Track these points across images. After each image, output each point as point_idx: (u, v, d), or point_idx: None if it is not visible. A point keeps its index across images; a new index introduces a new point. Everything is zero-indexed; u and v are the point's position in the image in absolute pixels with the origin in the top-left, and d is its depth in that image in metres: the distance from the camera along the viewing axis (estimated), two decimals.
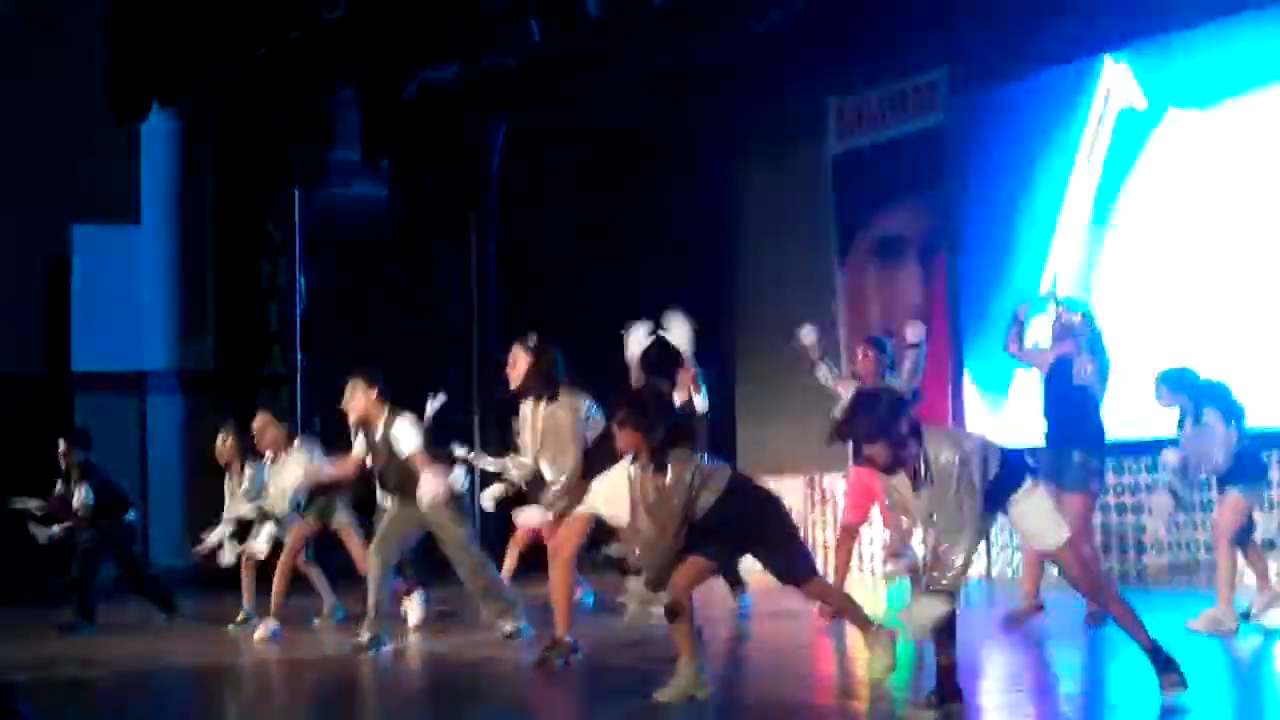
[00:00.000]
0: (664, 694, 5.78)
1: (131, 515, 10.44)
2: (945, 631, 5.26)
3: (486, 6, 12.63)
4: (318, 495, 9.10)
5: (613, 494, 6.85)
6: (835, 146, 14.52)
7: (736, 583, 9.80)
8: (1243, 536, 7.78)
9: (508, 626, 7.92)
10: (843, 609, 6.08)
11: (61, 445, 10.26)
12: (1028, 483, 5.31)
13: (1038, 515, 5.32)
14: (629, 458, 6.03)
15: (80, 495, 9.96)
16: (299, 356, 14.95)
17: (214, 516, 10.10)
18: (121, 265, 15.21)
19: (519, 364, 7.40)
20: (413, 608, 9.26)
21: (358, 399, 8.08)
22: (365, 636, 7.86)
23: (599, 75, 14.27)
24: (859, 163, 14.30)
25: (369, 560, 8.11)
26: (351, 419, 8.18)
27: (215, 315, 15.80)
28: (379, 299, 15.41)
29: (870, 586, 11.93)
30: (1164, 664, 5.27)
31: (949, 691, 5.22)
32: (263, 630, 8.94)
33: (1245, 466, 7.69)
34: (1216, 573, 7.83)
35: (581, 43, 13.26)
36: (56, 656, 8.27)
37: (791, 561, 5.97)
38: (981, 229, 13.22)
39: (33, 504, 10.27)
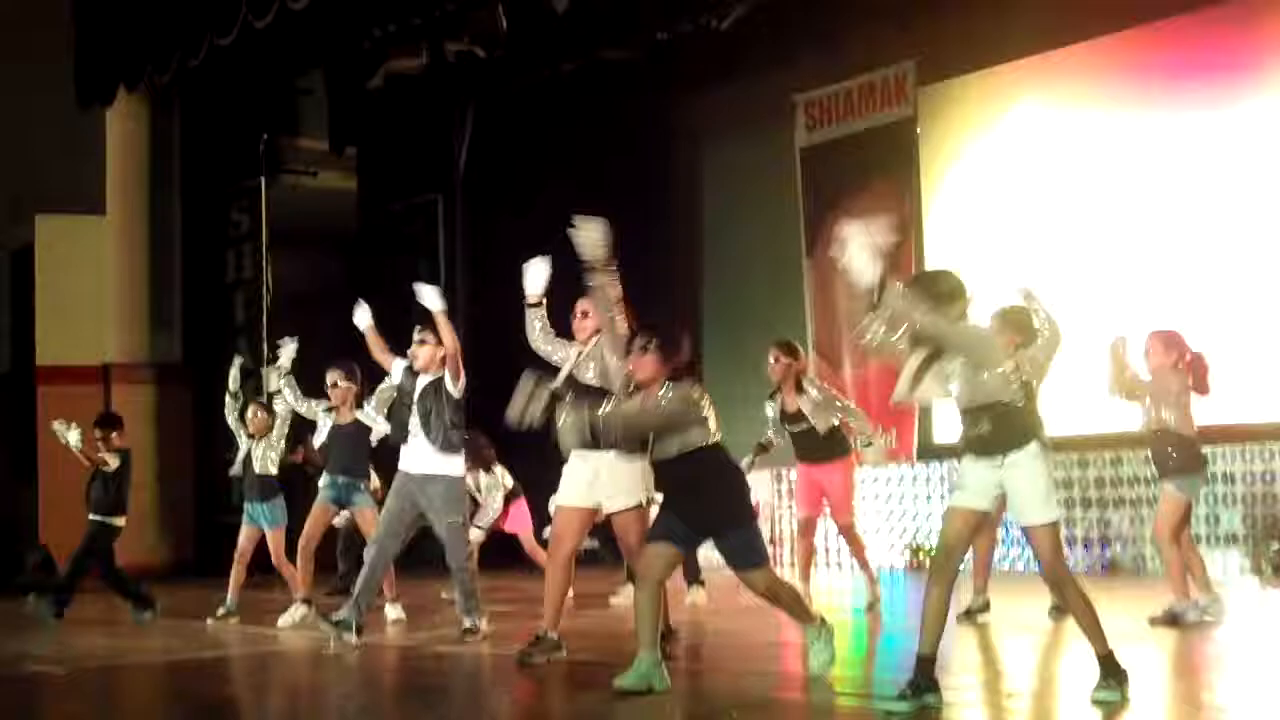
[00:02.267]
0: (623, 680, 5.76)
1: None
2: (930, 622, 5.30)
3: None
4: (339, 478, 9.11)
5: (569, 482, 6.85)
6: (803, 139, 14.55)
7: (695, 579, 9.81)
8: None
9: (467, 622, 7.90)
10: (785, 602, 6.10)
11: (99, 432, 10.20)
12: (1034, 445, 5.32)
13: (1032, 482, 5.32)
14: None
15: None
16: (265, 348, 14.88)
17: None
18: (86, 256, 15.10)
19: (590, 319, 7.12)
20: (394, 610, 9.25)
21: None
22: (338, 615, 7.82)
23: (566, 67, 14.26)
24: (826, 155, 14.32)
25: (369, 549, 8.01)
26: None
27: (181, 307, 15.70)
28: (346, 289, 15.33)
29: (829, 577, 12.01)
30: (1112, 671, 5.24)
31: (927, 683, 5.27)
32: (301, 614, 9.03)
33: (1182, 461, 7.68)
34: (1166, 569, 7.85)
35: (548, 34, 13.25)
36: (24, 652, 8.22)
37: (751, 546, 6.00)
38: (949, 220, 13.28)
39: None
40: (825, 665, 6.05)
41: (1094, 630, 5.32)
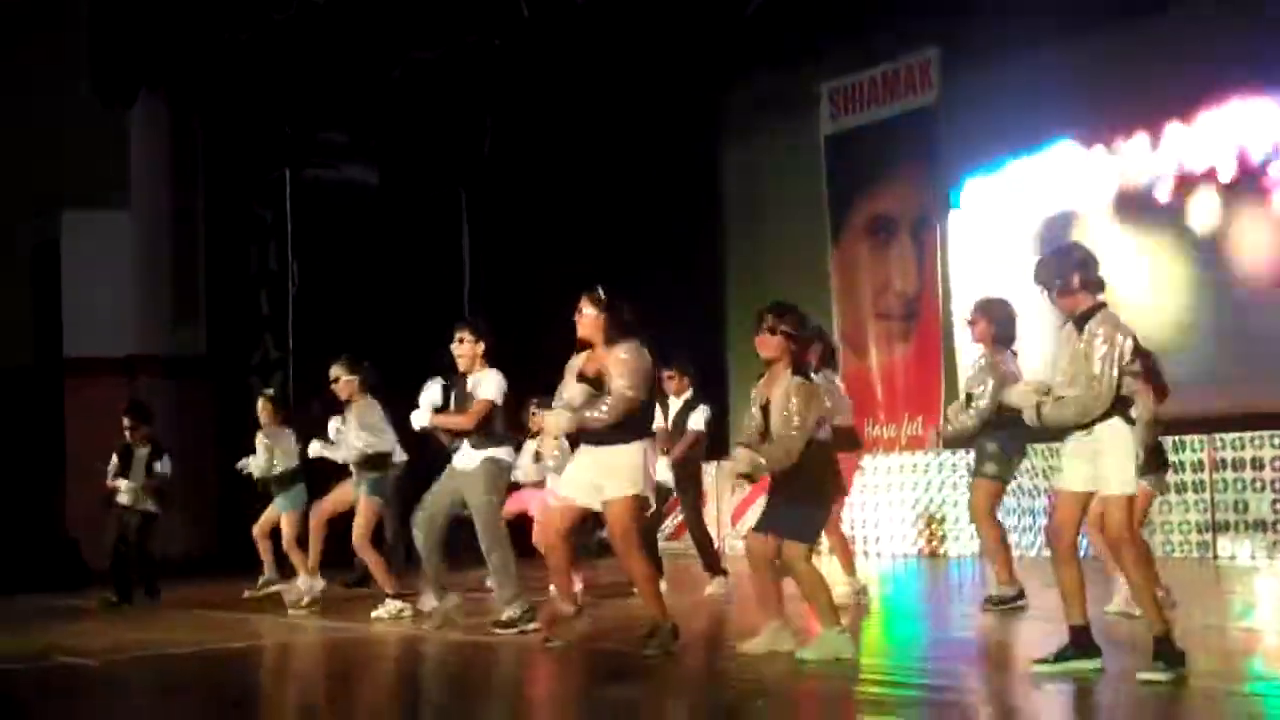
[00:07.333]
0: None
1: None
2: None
3: None
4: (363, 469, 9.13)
5: (576, 478, 6.71)
6: (828, 127, 14.51)
7: (717, 569, 9.72)
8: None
9: (510, 612, 7.82)
10: (805, 593, 6.18)
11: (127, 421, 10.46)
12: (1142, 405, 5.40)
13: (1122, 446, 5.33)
14: None
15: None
16: (290, 341, 14.90)
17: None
18: (111, 250, 15.14)
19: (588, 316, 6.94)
20: (385, 608, 9.04)
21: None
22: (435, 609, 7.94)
23: (589, 57, 14.21)
24: (851, 143, 14.29)
25: (416, 533, 7.90)
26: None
27: (205, 300, 15.72)
28: (370, 282, 15.33)
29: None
30: (1164, 652, 5.19)
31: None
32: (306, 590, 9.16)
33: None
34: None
35: (571, 24, 13.20)
36: (51, 645, 8.24)
37: (792, 519, 6.12)
38: (972, 207, 13.25)
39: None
40: (832, 654, 6.09)
41: (1152, 607, 5.31)
